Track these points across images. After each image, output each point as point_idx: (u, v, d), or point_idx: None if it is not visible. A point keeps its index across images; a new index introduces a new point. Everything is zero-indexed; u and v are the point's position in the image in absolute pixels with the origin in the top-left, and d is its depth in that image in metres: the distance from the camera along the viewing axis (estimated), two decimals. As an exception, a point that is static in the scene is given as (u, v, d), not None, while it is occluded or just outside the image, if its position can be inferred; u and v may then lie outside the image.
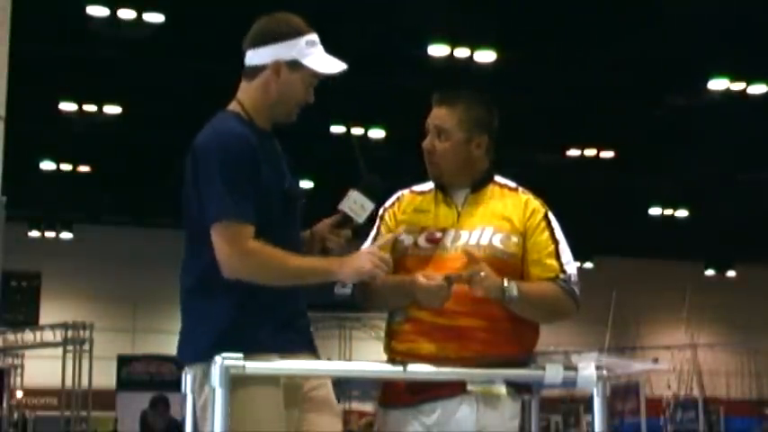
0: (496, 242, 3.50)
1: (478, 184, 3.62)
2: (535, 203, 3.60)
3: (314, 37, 3.39)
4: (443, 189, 3.64)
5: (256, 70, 3.36)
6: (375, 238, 3.67)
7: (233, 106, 3.38)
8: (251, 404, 3.06)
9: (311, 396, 3.33)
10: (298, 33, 3.35)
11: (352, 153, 15.95)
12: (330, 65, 3.39)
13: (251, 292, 3.21)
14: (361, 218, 3.41)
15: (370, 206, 3.41)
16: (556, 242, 3.55)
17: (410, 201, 3.68)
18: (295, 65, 3.34)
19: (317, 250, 3.43)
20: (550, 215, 3.60)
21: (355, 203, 3.39)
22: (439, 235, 3.53)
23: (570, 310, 3.54)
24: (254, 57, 3.37)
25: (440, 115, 3.59)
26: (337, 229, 3.42)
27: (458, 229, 3.54)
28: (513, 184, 3.67)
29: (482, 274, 3.38)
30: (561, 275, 3.51)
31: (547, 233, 3.55)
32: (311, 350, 3.35)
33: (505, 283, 3.37)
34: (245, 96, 3.38)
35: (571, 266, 3.56)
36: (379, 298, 3.59)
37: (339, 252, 3.45)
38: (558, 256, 3.54)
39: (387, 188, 3.61)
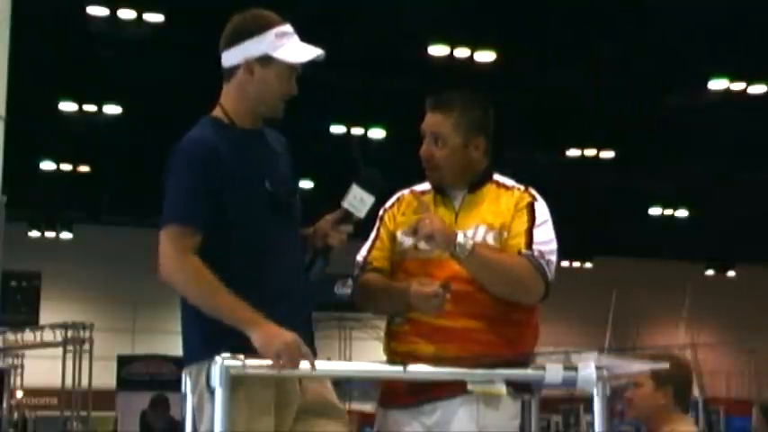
0: (490, 240, 3.50)
1: (476, 185, 3.62)
2: (524, 196, 3.58)
3: (285, 28, 3.33)
4: (442, 191, 3.64)
5: (231, 71, 3.35)
6: (375, 240, 3.66)
7: (215, 110, 3.38)
8: (240, 404, 3.05)
9: (314, 400, 3.30)
10: (266, 27, 3.31)
11: (352, 153, 15.95)
12: (302, 53, 3.33)
13: (242, 293, 3.19)
14: (361, 212, 3.40)
15: (370, 200, 3.40)
16: (531, 223, 3.50)
17: (410, 202, 3.68)
18: (266, 60, 3.30)
19: (319, 246, 3.42)
20: (538, 204, 3.56)
21: (355, 198, 3.38)
22: (438, 237, 3.53)
23: (536, 286, 3.45)
24: (227, 58, 3.36)
25: (435, 122, 3.58)
26: (339, 224, 3.41)
27: (455, 229, 3.53)
28: (510, 183, 3.66)
29: (427, 221, 3.35)
30: (526, 251, 3.45)
31: (525, 217, 3.52)
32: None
33: (459, 237, 3.33)
34: (225, 99, 3.37)
35: (543, 246, 3.47)
36: (377, 303, 3.60)
37: (340, 248, 3.44)
38: (528, 235, 3.48)
39: (387, 188, 3.61)
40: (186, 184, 3.20)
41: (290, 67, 3.33)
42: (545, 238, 3.50)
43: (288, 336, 3.03)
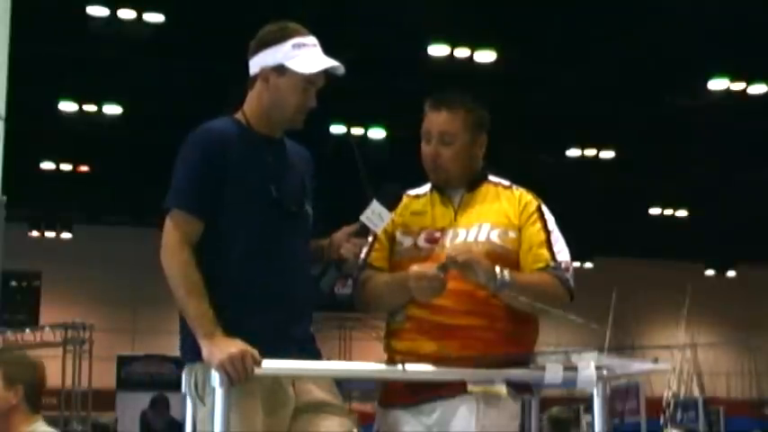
0: (494, 237, 3.51)
1: (474, 184, 3.63)
2: (528, 197, 3.62)
3: (305, 40, 3.36)
4: (440, 190, 3.65)
5: (253, 79, 3.40)
6: (374, 241, 3.67)
7: (237, 114, 3.43)
8: (235, 404, 3.04)
9: (308, 400, 3.30)
10: (285, 38, 3.34)
11: (351, 154, 15.95)
12: (313, 64, 3.34)
13: (238, 295, 3.21)
14: (378, 227, 3.46)
15: (387, 216, 3.45)
16: (547, 232, 3.55)
17: (406, 204, 3.68)
18: (281, 69, 3.34)
19: (333, 257, 3.42)
20: (543, 208, 3.61)
21: (373, 213, 3.42)
22: (438, 234, 3.54)
23: (564, 301, 3.51)
24: (251, 66, 3.41)
25: (442, 121, 3.59)
26: (355, 238, 3.43)
27: (455, 227, 3.55)
28: (506, 182, 3.69)
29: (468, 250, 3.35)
30: (552, 263, 3.49)
31: (539, 224, 3.55)
32: (306, 358, 3.29)
33: (497, 270, 3.33)
34: (246, 105, 3.43)
35: (563, 255, 3.53)
36: (378, 298, 3.59)
37: (353, 261, 3.46)
38: (549, 246, 3.52)
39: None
40: (193, 171, 3.25)
41: (305, 79, 3.34)
42: (562, 245, 3.55)
43: (233, 349, 3.02)
